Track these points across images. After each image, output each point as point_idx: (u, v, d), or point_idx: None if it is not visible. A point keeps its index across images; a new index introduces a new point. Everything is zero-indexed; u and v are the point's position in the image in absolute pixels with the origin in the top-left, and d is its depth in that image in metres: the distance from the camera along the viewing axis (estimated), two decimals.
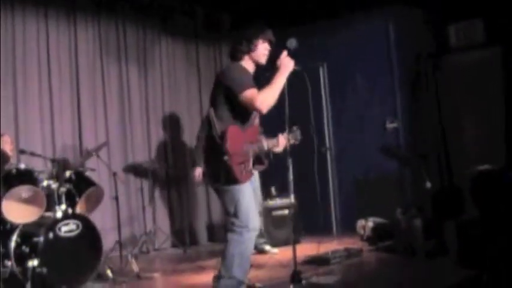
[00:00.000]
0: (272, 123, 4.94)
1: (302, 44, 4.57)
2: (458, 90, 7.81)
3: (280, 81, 4.33)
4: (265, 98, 4.22)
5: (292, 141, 4.74)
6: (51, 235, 5.35)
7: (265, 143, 4.56)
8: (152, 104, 8.59)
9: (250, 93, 4.23)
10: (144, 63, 8.54)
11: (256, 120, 4.55)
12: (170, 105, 8.82)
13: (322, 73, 8.81)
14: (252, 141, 4.43)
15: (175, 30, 9.02)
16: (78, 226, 5.56)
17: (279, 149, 4.67)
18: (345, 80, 8.66)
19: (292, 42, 4.57)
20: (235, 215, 4.27)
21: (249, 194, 4.32)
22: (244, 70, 4.45)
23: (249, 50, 4.47)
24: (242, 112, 4.35)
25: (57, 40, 7.54)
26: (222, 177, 4.24)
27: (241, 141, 4.29)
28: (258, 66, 4.55)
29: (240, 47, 4.49)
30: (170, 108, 8.81)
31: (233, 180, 4.23)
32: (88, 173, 6.32)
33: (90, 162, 6.92)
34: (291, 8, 8.42)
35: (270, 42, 4.53)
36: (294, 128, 4.77)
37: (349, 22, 8.47)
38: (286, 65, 4.39)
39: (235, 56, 4.52)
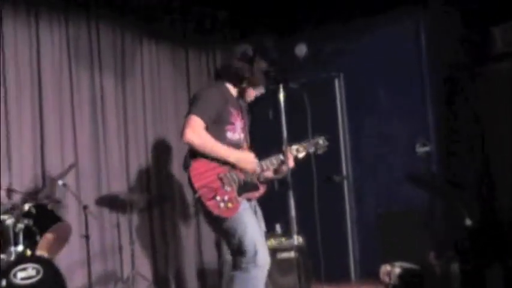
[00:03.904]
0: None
1: (313, 50, 4.57)
2: (504, 105, 7.79)
3: (222, 154, 4.45)
4: (196, 142, 4.54)
5: (316, 150, 4.81)
6: (3, 283, 5.33)
7: (259, 166, 4.58)
8: (132, 122, 8.58)
9: (192, 121, 4.51)
10: (122, 71, 8.55)
11: (244, 145, 4.62)
12: (154, 122, 8.83)
13: (338, 85, 8.76)
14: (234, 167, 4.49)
15: (161, 33, 9.06)
16: (38, 271, 5.56)
17: (286, 167, 4.61)
18: (366, 93, 8.64)
19: (301, 49, 4.61)
20: (239, 249, 4.33)
21: (250, 222, 4.41)
22: (221, 95, 4.59)
23: (250, 74, 4.56)
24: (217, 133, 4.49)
25: (15, 42, 7.52)
26: (207, 214, 4.39)
27: (208, 173, 4.39)
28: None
29: (242, 66, 4.59)
30: (154, 127, 8.81)
31: (215, 216, 4.36)
32: (52, 206, 6.29)
33: (55, 193, 6.90)
34: (300, 8, 8.41)
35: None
36: (317, 137, 4.83)
37: (370, 25, 8.44)
38: (251, 164, 4.48)
39: (229, 75, 4.67)
